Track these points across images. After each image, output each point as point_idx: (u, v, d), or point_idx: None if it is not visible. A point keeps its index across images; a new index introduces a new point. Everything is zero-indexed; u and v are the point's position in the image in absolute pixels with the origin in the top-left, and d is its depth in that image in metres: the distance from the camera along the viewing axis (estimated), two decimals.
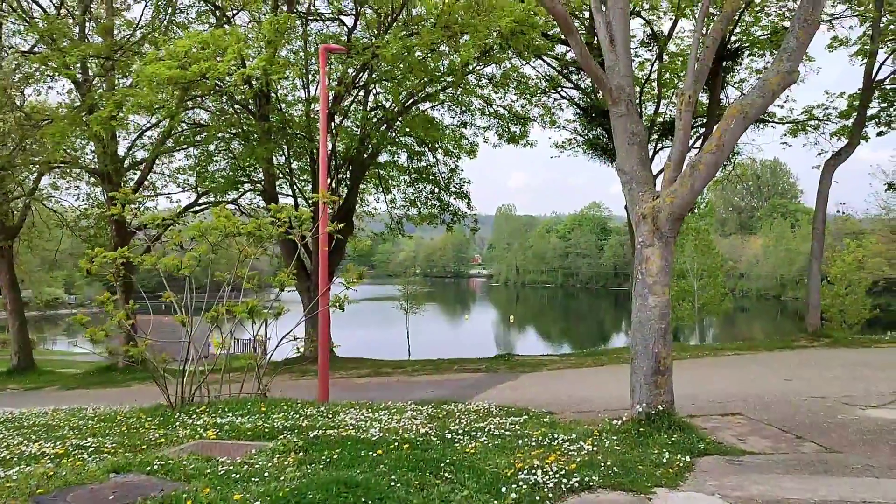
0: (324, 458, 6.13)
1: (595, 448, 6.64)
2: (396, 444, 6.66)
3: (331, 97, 20.94)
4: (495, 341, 58.86)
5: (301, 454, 6.31)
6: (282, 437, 7.17)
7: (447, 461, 5.97)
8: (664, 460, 6.26)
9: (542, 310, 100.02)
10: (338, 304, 10.23)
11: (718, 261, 42.47)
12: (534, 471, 5.72)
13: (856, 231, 47.85)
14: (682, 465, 6.20)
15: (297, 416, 8.92)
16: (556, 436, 7.15)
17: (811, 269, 18.42)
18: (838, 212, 42.12)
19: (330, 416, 9.08)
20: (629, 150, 8.17)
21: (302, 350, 21.91)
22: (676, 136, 7.92)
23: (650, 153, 20.40)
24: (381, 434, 7.35)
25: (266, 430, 7.60)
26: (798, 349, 16.12)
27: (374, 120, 21.56)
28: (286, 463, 6.01)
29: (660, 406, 7.64)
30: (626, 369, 9.59)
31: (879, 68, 18.63)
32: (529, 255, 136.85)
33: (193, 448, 6.81)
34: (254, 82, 19.12)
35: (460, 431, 7.41)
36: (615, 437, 7.13)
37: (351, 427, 7.88)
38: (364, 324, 64.45)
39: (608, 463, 6.02)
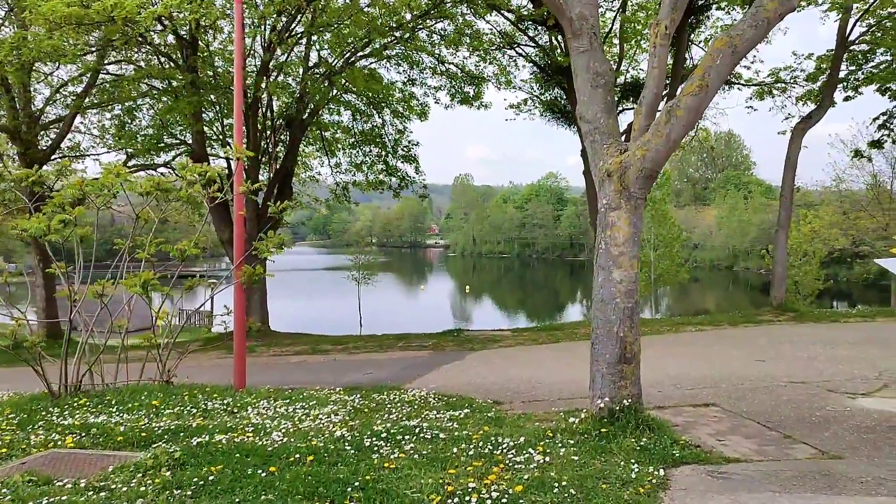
0: (198, 479, 4.71)
1: (548, 458, 5.35)
2: (299, 455, 5.28)
3: (258, 47, 19.17)
4: (452, 312, 57.80)
5: (170, 473, 4.88)
6: (158, 445, 5.72)
7: (357, 482, 4.61)
8: (633, 475, 5.00)
9: (498, 280, 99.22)
10: (248, 279, 8.72)
11: (675, 231, 41.72)
12: (468, 496, 4.40)
13: (811, 203, 47.66)
14: (655, 481, 4.94)
15: (195, 411, 7.47)
16: (500, 440, 5.85)
17: (778, 240, 17.45)
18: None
19: (235, 410, 7.65)
20: (592, 94, 6.81)
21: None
22: (649, 77, 6.57)
23: None
24: (284, 440, 5.96)
25: (143, 434, 6.13)
26: (764, 324, 15.15)
27: (316, 76, 19.83)
28: (145, 488, 4.57)
29: (625, 400, 6.39)
30: (583, 347, 8.32)
31: (853, 27, 17.56)
32: (486, 225, 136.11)
33: (38, 463, 5.32)
34: (181, 31, 17.28)
35: (384, 434, 6.05)
36: (572, 442, 5.85)
37: (252, 429, 6.47)
38: (316, 295, 62.81)
39: (563, 482, 4.73)
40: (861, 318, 15.46)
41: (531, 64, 20.61)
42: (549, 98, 20.88)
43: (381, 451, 5.56)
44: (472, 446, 5.67)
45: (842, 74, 19.68)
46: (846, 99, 20.38)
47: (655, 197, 40.40)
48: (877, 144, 21.15)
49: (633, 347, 6.49)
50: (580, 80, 6.89)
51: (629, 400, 6.40)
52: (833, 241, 37.38)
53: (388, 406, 7.77)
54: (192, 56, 17.64)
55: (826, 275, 44.97)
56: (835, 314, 16.38)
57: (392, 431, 6.18)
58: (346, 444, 5.76)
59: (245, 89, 18.75)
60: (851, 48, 18.79)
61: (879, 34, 17.75)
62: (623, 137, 7.02)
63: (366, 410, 7.47)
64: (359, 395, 8.39)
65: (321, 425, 6.65)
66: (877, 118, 20.67)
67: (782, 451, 5.89)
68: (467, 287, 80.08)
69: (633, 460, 5.36)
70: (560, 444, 5.77)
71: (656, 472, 5.09)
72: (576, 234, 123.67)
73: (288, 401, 8.16)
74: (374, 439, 5.90)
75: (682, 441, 5.97)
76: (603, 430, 6.11)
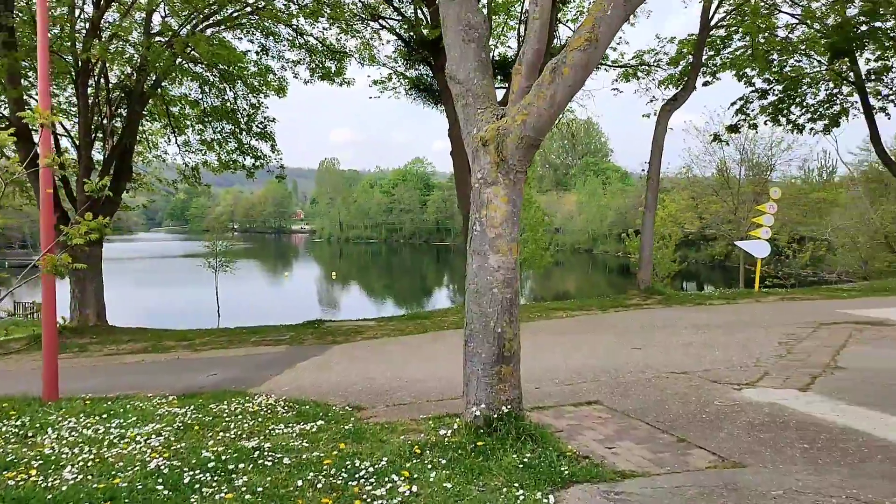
0: None
1: (415, 487, 4.35)
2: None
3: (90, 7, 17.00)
4: (318, 300, 55.94)
5: None
6: None
7: None
8: None
9: (365, 266, 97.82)
10: (55, 269, 7.15)
11: (539, 215, 42.03)
12: None
13: (665, 188, 49.49)
14: None
15: None
16: (358, 463, 4.80)
17: (645, 222, 17.37)
18: (643, 171, 43.17)
19: (30, 434, 6.15)
20: (465, 49, 5.83)
21: (66, 320, 18.10)
22: (529, 30, 5.66)
23: None
24: (79, 478, 4.62)
25: None
26: (633, 308, 14.92)
27: (159, 43, 17.78)
28: None
29: (504, 407, 5.51)
30: (454, 337, 7.43)
31: (715, 11, 17.68)
32: (353, 210, 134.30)
33: None
34: None
35: (212, 463, 4.84)
36: (444, 461, 4.88)
37: (40, 462, 5.06)
38: (171, 284, 58.99)
39: None
40: (724, 301, 15.56)
41: (396, 38, 19.53)
42: (414, 75, 19.88)
43: (205, 489, 4.36)
44: (321, 475, 4.59)
45: (704, 59, 19.94)
46: (705, 84, 20.72)
47: None
48: (734, 129, 21.73)
49: (512, 345, 5.62)
50: (450, 34, 5.90)
51: (509, 406, 5.52)
52: (687, 225, 38.86)
53: (227, 419, 6.53)
54: (6, 13, 15.26)
55: (679, 257, 47.03)
56: (700, 296, 16.47)
57: (224, 459, 4.97)
58: (160, 480, 4.51)
59: (73, 53, 16.54)
60: (711, 33, 19.00)
61: (739, 18, 18.01)
62: (510, 90, 6.10)
63: (197, 427, 6.18)
64: (192, 407, 7.05)
65: (135, 452, 5.32)
66: (734, 103, 21.22)
67: (679, 458, 5.19)
68: (334, 273, 78.29)
69: (516, 483, 4.48)
70: (430, 465, 4.79)
71: (545, 500, 4.22)
72: (442, 218, 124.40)
73: (104, 416, 6.73)
74: (198, 471, 4.68)
75: (569, 452, 5.16)
76: (479, 443, 5.19)
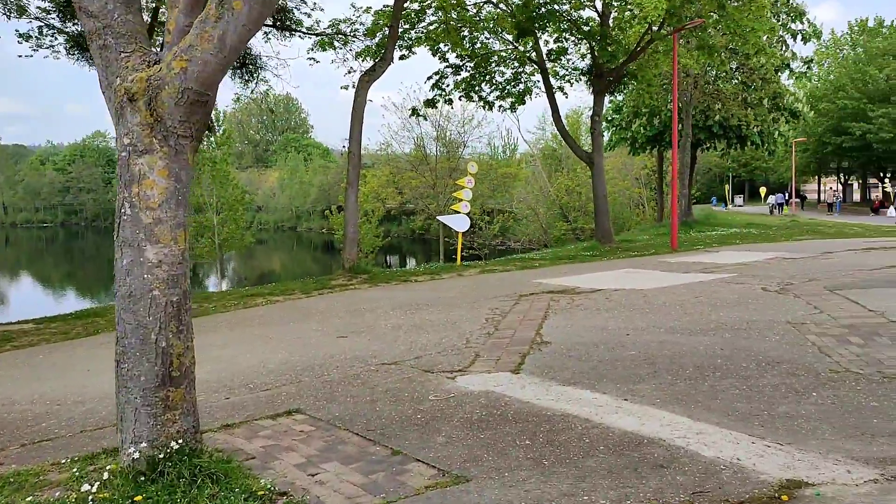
0: None
1: None
2: None
3: None
4: None
5: None
6: None
7: None
8: None
9: (38, 254, 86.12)
10: None
11: (238, 193, 39.73)
12: None
13: (366, 165, 49.94)
14: None
15: None
16: None
17: (348, 198, 16.58)
18: (344, 147, 43.09)
19: None
20: None
21: None
22: None
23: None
24: None
25: None
26: (338, 290, 14.13)
27: None
28: None
29: (174, 442, 4.22)
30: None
31: None
32: (20, 190, 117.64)
33: None
34: None
35: None
36: None
37: None
38: None
39: None
40: (429, 276, 15.45)
41: None
42: (74, 31, 16.88)
43: None
44: None
45: (400, 31, 19.69)
46: (402, 57, 20.58)
47: (217, 156, 37.85)
48: (431, 104, 21.94)
49: (183, 361, 4.33)
50: None
51: (180, 440, 4.25)
52: (389, 200, 39.43)
53: None
54: None
55: (382, 232, 47.89)
56: (405, 273, 16.22)
57: None
58: None
59: None
60: (406, 6, 18.77)
61: None
62: (165, 32, 4.69)
63: None
64: None
65: None
66: (430, 77, 21.39)
67: (395, 479, 4.35)
68: None
69: None
70: None
71: None
72: None
73: None
74: None
75: (261, 491, 4.07)
76: (138, 497, 3.88)
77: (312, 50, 18.87)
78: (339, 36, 18.94)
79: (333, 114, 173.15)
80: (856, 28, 66.06)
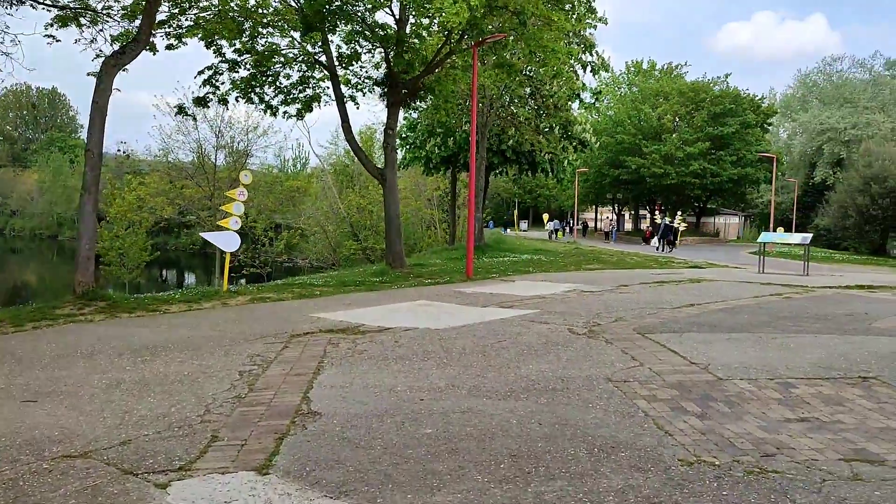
0: None
1: None
2: None
3: None
4: None
5: None
6: None
7: None
8: None
9: None
10: None
11: None
12: None
13: (138, 170, 44.97)
14: None
15: None
16: None
17: (84, 208, 13.32)
18: (120, 151, 38.31)
19: None
20: None
21: None
22: None
23: None
24: None
25: None
26: (62, 322, 10.95)
27: None
28: None
29: None
30: None
31: None
32: None
33: None
34: None
35: None
36: None
37: None
38: None
39: None
40: (186, 305, 12.70)
41: None
42: None
43: None
44: None
45: (164, 16, 16.84)
46: (169, 47, 17.64)
47: None
48: (202, 102, 19.07)
49: None
50: None
51: None
52: (160, 210, 35.34)
53: None
54: None
55: (155, 245, 43.23)
56: (156, 300, 13.24)
57: None
58: None
59: None
60: None
61: None
62: None
63: None
64: None
65: None
66: (202, 72, 18.57)
67: None
68: None
69: None
70: None
71: None
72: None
73: None
74: None
75: None
76: None
77: (52, 26, 15.40)
78: (87, 12, 15.67)
79: (109, 113, 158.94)
80: (632, 68, 71.47)
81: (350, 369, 7.49)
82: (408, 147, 36.04)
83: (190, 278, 61.87)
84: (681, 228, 50.44)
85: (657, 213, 62.24)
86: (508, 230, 67.53)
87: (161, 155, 37.16)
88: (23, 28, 60.62)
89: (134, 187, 34.93)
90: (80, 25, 15.74)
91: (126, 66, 13.83)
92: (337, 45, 19.33)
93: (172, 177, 35.93)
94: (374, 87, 20.28)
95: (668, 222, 45.27)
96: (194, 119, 26.51)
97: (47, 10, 15.59)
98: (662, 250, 40.81)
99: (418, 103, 25.87)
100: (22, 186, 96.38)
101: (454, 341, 8.93)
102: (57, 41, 15.68)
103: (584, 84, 32.39)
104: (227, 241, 14.96)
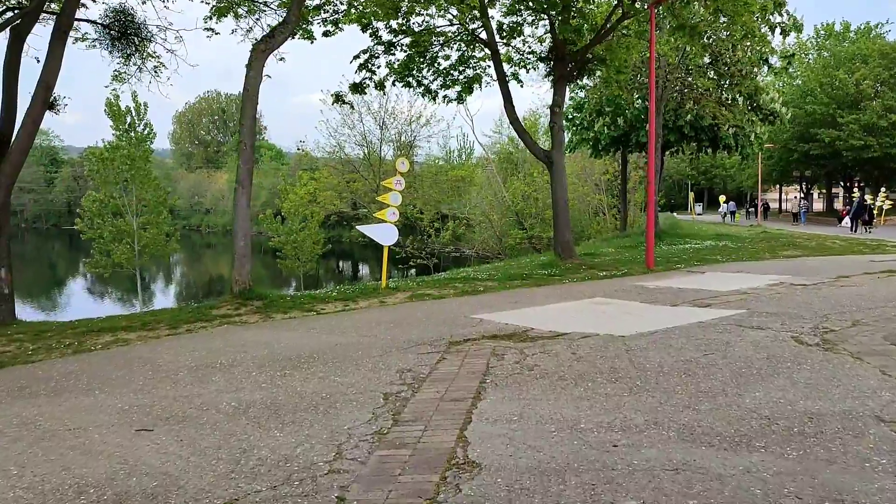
0: None
1: None
2: None
3: None
4: None
5: None
6: None
7: None
8: None
9: None
10: None
11: (160, 195, 35.62)
12: None
13: (312, 166, 46.32)
14: None
15: None
16: None
17: (238, 203, 12.93)
18: (298, 149, 39.54)
19: None
20: None
21: None
22: None
23: None
24: None
25: None
26: (217, 324, 10.31)
27: None
28: None
29: None
30: None
31: None
32: None
33: None
34: None
35: None
36: None
37: None
38: None
39: None
40: (342, 303, 11.86)
41: None
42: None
43: None
44: None
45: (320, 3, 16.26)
46: (326, 34, 17.10)
47: (136, 154, 33.77)
48: (358, 88, 18.42)
49: None
50: None
51: None
52: (329, 205, 35.85)
53: None
54: None
55: (329, 238, 44.20)
56: (313, 299, 12.52)
57: None
58: None
59: None
60: None
61: None
62: None
63: None
64: None
65: None
66: (357, 56, 17.86)
67: None
68: None
69: None
70: None
71: None
72: (74, 199, 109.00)
73: None
74: None
75: None
76: None
77: (210, 18, 15.21)
78: (244, 1, 15.33)
79: (288, 115, 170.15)
80: (822, 32, 64.39)
81: (518, 393, 6.04)
82: (574, 129, 33.96)
83: (364, 269, 63.37)
84: (885, 207, 44.71)
85: (855, 190, 55.78)
86: (676, 213, 63.32)
87: (333, 151, 37.76)
88: (184, 24, 64.28)
89: (304, 182, 35.61)
90: (237, 16, 15.44)
91: (276, 51, 13.19)
92: (498, 21, 17.96)
93: (341, 171, 36.32)
94: (539, 62, 18.66)
95: (861, 200, 40.21)
96: (352, 107, 26.18)
97: (206, 4, 15.40)
98: (856, 230, 36.18)
99: (585, 80, 23.96)
100: (215, 186, 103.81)
101: (646, 354, 7.23)
102: (216, 34, 15.47)
103: (773, 48, 28.78)
104: (384, 233, 14.02)
